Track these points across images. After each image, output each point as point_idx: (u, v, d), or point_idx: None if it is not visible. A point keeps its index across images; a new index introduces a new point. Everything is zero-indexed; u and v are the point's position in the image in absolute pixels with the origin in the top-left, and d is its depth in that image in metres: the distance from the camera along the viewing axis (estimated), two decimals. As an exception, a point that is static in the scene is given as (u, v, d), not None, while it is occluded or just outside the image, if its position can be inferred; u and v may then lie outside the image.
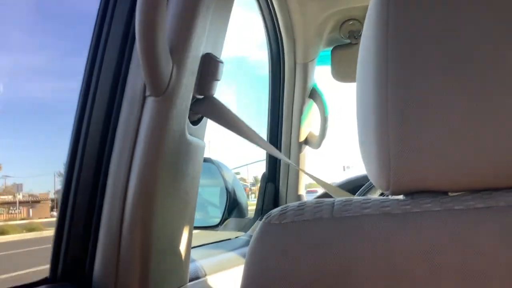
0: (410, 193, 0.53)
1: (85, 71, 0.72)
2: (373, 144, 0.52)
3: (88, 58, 0.72)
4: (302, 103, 1.51)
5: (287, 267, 0.51)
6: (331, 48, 1.46)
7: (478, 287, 0.46)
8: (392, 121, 0.50)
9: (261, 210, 1.61)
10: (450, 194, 0.53)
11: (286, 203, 1.62)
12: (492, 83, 0.48)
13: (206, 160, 1.57)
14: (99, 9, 0.73)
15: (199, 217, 1.61)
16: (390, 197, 0.55)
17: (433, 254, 0.47)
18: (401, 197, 0.54)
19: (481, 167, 0.49)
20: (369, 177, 0.56)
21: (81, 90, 0.72)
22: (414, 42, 0.50)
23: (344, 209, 0.53)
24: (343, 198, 0.56)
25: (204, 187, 1.65)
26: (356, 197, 0.56)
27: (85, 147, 0.71)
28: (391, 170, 0.50)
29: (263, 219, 0.56)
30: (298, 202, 0.57)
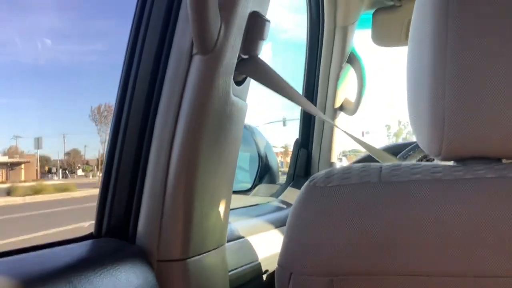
0: (462, 159, 0.51)
1: (131, 27, 0.71)
2: (426, 107, 0.50)
3: (134, 14, 0.71)
4: (340, 68, 1.47)
5: (332, 230, 0.51)
6: (372, 11, 1.41)
7: None
8: (449, 84, 0.48)
9: (293, 176, 1.61)
10: (504, 161, 0.52)
11: (318, 170, 1.61)
12: None
13: (242, 125, 1.57)
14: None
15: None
16: (441, 163, 0.53)
17: (485, 221, 0.47)
18: (451, 163, 0.53)
19: None
20: (419, 141, 0.54)
21: (127, 47, 0.71)
22: (476, 4, 0.47)
23: (392, 173, 0.52)
24: (391, 163, 0.55)
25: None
26: (405, 162, 0.55)
27: (131, 105, 0.70)
28: (445, 135, 0.49)
29: (307, 182, 0.56)
30: (343, 166, 0.56)
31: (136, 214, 0.71)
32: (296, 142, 1.64)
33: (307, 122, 1.55)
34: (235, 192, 1.54)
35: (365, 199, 0.51)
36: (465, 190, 0.48)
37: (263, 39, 0.77)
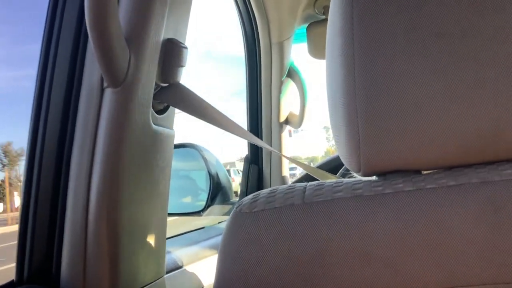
0: (383, 174, 0.52)
1: (39, 65, 0.69)
2: (343, 125, 0.50)
3: (41, 52, 0.69)
4: (280, 83, 1.49)
5: (259, 256, 0.50)
6: (306, 25, 1.43)
7: (454, 266, 0.45)
8: (359, 102, 0.48)
9: (245, 193, 1.60)
10: (423, 172, 0.52)
11: (270, 185, 1.61)
12: (461, 57, 0.46)
13: (187, 145, 1.55)
14: (49, 2, 0.69)
15: (182, 204, 1.60)
16: (363, 178, 0.54)
17: (407, 235, 0.47)
18: (374, 177, 0.53)
19: (451, 143, 0.47)
20: (341, 159, 0.55)
21: (36, 86, 0.69)
22: (380, 16, 0.48)
23: (315, 193, 0.51)
24: (316, 182, 0.55)
25: (187, 173, 1.64)
26: (329, 180, 0.55)
27: (44, 145, 0.68)
28: (361, 151, 0.49)
29: (234, 208, 0.55)
30: (270, 188, 0.56)
31: (58, 256, 0.68)
32: (246, 158, 1.63)
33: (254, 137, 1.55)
34: (188, 213, 1.53)
35: (290, 222, 0.50)
36: (384, 205, 0.48)
37: (182, 66, 0.77)
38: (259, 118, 1.55)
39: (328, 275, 0.48)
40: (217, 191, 1.57)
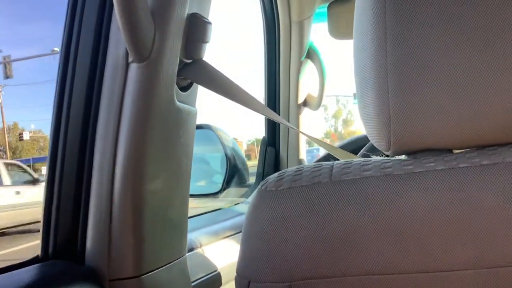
0: (413, 153, 0.51)
1: (63, 39, 0.68)
2: (372, 103, 0.49)
3: (65, 26, 0.68)
4: (299, 64, 1.46)
5: (285, 233, 0.50)
6: (327, 5, 1.40)
7: (483, 245, 0.44)
8: (391, 78, 0.47)
9: (262, 175, 1.60)
10: (454, 151, 0.51)
11: (287, 167, 1.60)
12: (495, 37, 0.45)
13: (204, 126, 1.55)
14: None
15: (199, 185, 1.60)
16: (391, 157, 0.53)
17: (438, 214, 0.46)
18: (403, 157, 0.52)
19: (486, 122, 0.46)
20: (369, 138, 0.54)
21: (60, 60, 0.68)
22: None
23: (343, 172, 0.51)
24: (343, 160, 0.54)
25: (204, 154, 1.63)
26: (356, 159, 0.54)
27: (69, 119, 0.67)
28: (391, 129, 0.48)
29: (259, 186, 0.54)
30: (296, 167, 0.55)
31: (83, 232, 0.68)
32: (263, 140, 1.62)
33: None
34: (204, 195, 1.53)
35: (317, 200, 0.49)
36: (416, 183, 0.47)
37: (206, 42, 0.75)
38: (277, 99, 1.53)
39: (356, 253, 0.47)
40: (234, 172, 1.57)
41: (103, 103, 0.67)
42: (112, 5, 0.66)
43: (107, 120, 0.66)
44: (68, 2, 0.69)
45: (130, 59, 0.65)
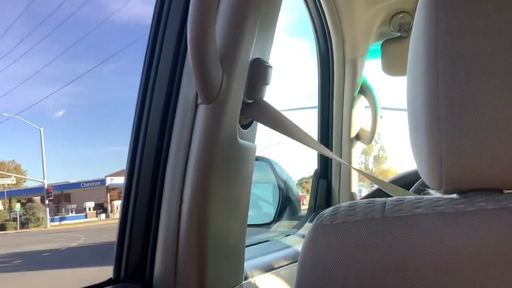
0: (464, 192, 0.52)
1: (141, 82, 0.76)
2: (424, 142, 0.51)
3: (143, 70, 0.76)
4: (352, 99, 1.50)
5: (339, 265, 0.52)
6: (381, 42, 1.44)
7: None
8: (443, 119, 0.49)
9: (314, 208, 1.62)
10: (505, 191, 0.52)
11: (339, 200, 1.61)
12: None
13: (259, 158, 1.59)
14: (152, 22, 0.76)
15: (252, 215, 1.64)
16: (443, 196, 0.54)
17: (488, 253, 0.47)
18: (454, 195, 0.54)
19: None
20: (421, 176, 0.55)
21: (137, 101, 0.75)
22: (464, 37, 0.49)
23: (396, 208, 0.53)
24: (395, 198, 0.56)
25: (257, 185, 1.68)
26: (408, 196, 0.56)
27: (143, 153, 0.74)
28: (443, 169, 0.50)
29: (315, 220, 0.57)
30: (349, 202, 0.57)
31: (152, 258, 0.74)
32: (315, 172, 1.65)
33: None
34: (257, 225, 1.56)
35: (370, 235, 0.52)
36: (467, 222, 0.49)
37: (267, 84, 0.81)
38: (329, 133, 1.57)
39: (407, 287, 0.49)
40: (286, 204, 1.60)
41: (173, 140, 0.73)
42: (185, 51, 0.73)
43: (177, 156, 0.73)
44: (147, 48, 0.77)
45: (199, 101, 0.72)
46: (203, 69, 0.66)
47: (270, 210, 1.59)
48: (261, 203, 1.65)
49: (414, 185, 1.33)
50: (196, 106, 0.72)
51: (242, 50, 0.72)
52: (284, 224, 1.59)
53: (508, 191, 0.52)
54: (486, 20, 0.48)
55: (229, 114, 0.73)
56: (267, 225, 1.55)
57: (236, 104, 0.74)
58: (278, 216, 1.56)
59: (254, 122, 0.84)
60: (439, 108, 0.49)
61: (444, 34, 0.50)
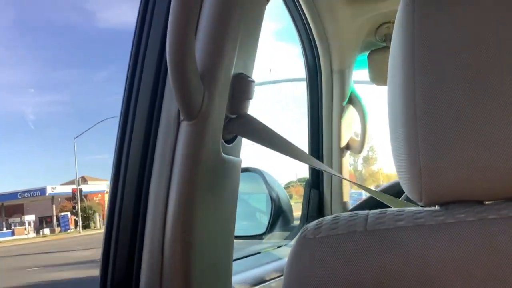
0: (445, 203, 0.53)
1: (123, 98, 0.76)
2: (403, 155, 0.52)
3: (125, 86, 0.76)
4: (341, 109, 1.51)
5: (323, 279, 0.52)
6: (367, 53, 1.45)
7: None
8: (421, 131, 0.50)
9: (306, 217, 1.62)
10: (486, 203, 0.53)
11: (331, 210, 1.62)
12: None
13: (250, 169, 1.60)
14: (133, 38, 0.77)
15: (245, 227, 1.64)
16: (424, 208, 0.55)
17: (468, 264, 0.47)
18: (436, 207, 0.54)
19: None
20: (403, 187, 0.56)
21: (120, 117, 0.76)
22: (440, 48, 0.49)
23: (377, 221, 0.53)
24: (378, 210, 0.57)
25: (250, 196, 1.68)
26: (390, 209, 0.57)
27: (126, 171, 0.75)
28: (423, 181, 0.50)
29: (299, 233, 0.58)
30: (333, 215, 0.58)
31: (137, 273, 0.74)
32: (307, 182, 1.66)
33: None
34: (250, 237, 1.56)
35: (352, 248, 0.52)
36: (446, 234, 0.49)
37: (250, 99, 0.81)
38: (320, 143, 1.58)
39: None
40: (278, 215, 1.60)
41: (156, 156, 0.74)
42: (167, 69, 0.74)
43: (160, 171, 0.73)
44: (129, 64, 0.78)
45: (181, 118, 0.72)
46: (183, 86, 0.67)
47: (262, 221, 1.59)
48: (254, 214, 1.66)
49: (404, 194, 1.34)
50: (179, 122, 0.72)
51: (223, 65, 0.73)
52: (276, 235, 1.59)
53: (489, 202, 0.53)
54: (462, 30, 0.49)
55: (212, 130, 0.74)
56: (260, 236, 1.55)
57: (219, 119, 0.75)
58: (270, 227, 1.56)
59: (239, 136, 0.84)
60: (416, 120, 0.50)
61: (421, 45, 0.50)
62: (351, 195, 1.82)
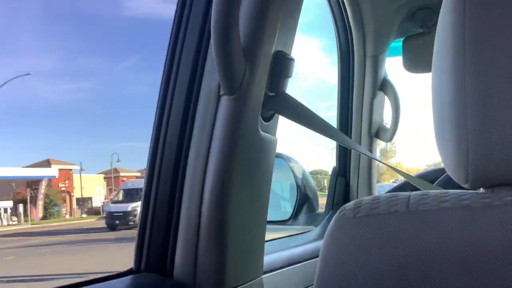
0: (490, 186, 0.52)
1: (163, 72, 0.76)
2: (450, 136, 0.51)
3: (166, 60, 0.76)
4: (373, 96, 1.49)
5: (362, 259, 0.52)
6: (402, 39, 1.42)
7: None
8: (470, 112, 0.49)
9: (332, 205, 1.61)
10: None
11: (357, 198, 1.60)
12: None
13: (277, 155, 1.59)
14: (175, 13, 0.76)
15: (270, 212, 1.65)
16: (469, 190, 0.54)
17: None
18: (481, 190, 0.53)
19: None
20: (447, 170, 0.55)
21: (160, 91, 0.76)
22: (492, 31, 0.48)
23: (420, 202, 0.52)
24: (419, 192, 0.56)
25: (275, 182, 1.68)
26: (433, 191, 0.56)
27: (165, 145, 0.75)
28: (470, 162, 0.49)
29: (337, 213, 0.57)
30: (372, 196, 0.57)
31: (173, 249, 0.74)
32: (334, 170, 1.64)
33: (343, 150, 1.56)
34: (275, 222, 1.56)
35: (394, 228, 0.51)
36: (493, 216, 0.48)
37: (289, 77, 0.80)
38: (349, 129, 1.56)
39: (430, 281, 0.48)
40: (304, 201, 1.60)
41: (195, 131, 0.74)
42: (208, 43, 0.73)
43: (199, 146, 0.73)
44: (170, 38, 0.77)
45: (221, 92, 0.72)
46: (226, 60, 0.66)
47: (288, 207, 1.59)
48: (279, 200, 1.65)
49: (439, 179, 1.31)
50: (219, 97, 0.72)
51: (264, 42, 0.72)
52: (301, 221, 1.59)
53: None
54: None
55: (251, 106, 0.73)
56: (285, 221, 1.55)
57: (258, 96, 0.74)
58: (296, 213, 1.56)
59: (276, 115, 0.84)
60: (466, 104, 0.49)
61: (472, 31, 0.49)
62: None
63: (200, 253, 0.72)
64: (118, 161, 22.35)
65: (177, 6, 0.76)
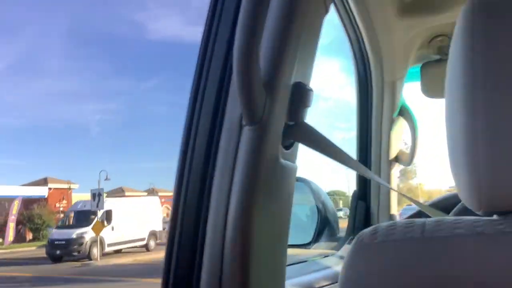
0: (504, 213, 0.53)
1: (189, 104, 0.80)
2: (463, 164, 0.52)
3: (191, 92, 0.80)
4: (391, 121, 1.50)
5: (380, 284, 0.53)
6: (420, 65, 1.45)
7: None
8: (482, 141, 0.50)
9: (353, 229, 1.62)
10: None
11: (378, 222, 1.61)
12: None
13: (298, 179, 1.61)
14: (200, 46, 0.81)
15: (291, 235, 1.65)
16: (482, 217, 0.55)
17: None
18: (494, 217, 0.54)
19: None
20: (460, 197, 0.56)
21: (185, 122, 0.79)
22: (501, 63, 0.50)
23: (435, 228, 0.54)
24: (434, 218, 0.57)
25: (296, 206, 1.69)
26: (448, 217, 0.57)
27: (190, 172, 0.78)
28: (482, 190, 0.51)
29: (355, 239, 0.59)
30: (389, 222, 0.59)
31: (198, 274, 0.76)
32: (354, 194, 1.65)
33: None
34: (296, 246, 1.57)
35: (409, 254, 0.53)
36: (506, 243, 0.49)
37: (307, 107, 0.83)
38: (368, 154, 1.57)
39: None
40: (324, 224, 1.61)
41: (219, 160, 0.77)
42: (231, 75, 0.77)
43: (223, 175, 0.76)
44: (195, 70, 0.81)
45: (243, 123, 0.75)
46: (248, 92, 0.70)
47: (308, 231, 1.60)
48: (300, 223, 1.67)
49: (454, 209, 1.32)
50: (241, 127, 0.75)
51: (284, 74, 0.76)
52: (322, 245, 1.59)
53: None
54: None
55: (272, 135, 0.76)
56: (306, 245, 1.56)
57: (278, 125, 0.77)
58: (316, 237, 1.57)
59: (295, 143, 0.87)
60: (476, 129, 0.50)
61: (481, 60, 0.51)
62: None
63: (224, 280, 0.74)
64: (106, 179, 20.75)
65: (202, 39, 0.80)
